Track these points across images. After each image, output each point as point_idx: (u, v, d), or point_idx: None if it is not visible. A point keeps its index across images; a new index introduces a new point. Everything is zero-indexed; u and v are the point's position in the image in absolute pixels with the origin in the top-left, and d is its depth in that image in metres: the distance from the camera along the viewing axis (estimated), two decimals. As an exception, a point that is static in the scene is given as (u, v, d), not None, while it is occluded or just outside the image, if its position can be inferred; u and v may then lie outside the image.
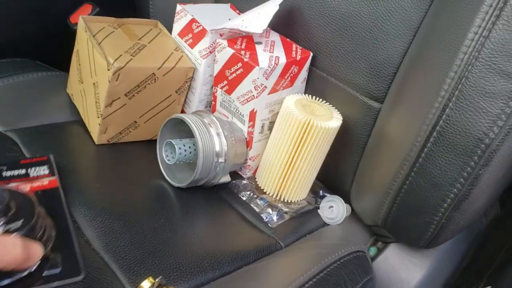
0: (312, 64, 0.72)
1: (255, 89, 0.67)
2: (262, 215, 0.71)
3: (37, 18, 0.91)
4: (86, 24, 0.74)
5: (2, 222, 0.47)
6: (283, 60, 0.68)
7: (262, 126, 0.73)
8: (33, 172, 0.63)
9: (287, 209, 0.72)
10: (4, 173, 0.60)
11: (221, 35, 0.72)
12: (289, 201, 0.73)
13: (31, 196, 0.53)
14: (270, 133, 0.73)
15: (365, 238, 0.70)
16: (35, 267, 0.49)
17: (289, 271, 0.61)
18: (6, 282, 0.47)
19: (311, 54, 0.71)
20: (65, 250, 0.54)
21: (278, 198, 0.73)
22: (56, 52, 0.88)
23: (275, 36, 0.74)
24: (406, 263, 0.66)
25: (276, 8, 0.69)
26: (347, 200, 0.73)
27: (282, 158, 0.69)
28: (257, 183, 0.75)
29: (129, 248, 0.58)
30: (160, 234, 0.61)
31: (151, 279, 0.53)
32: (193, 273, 0.57)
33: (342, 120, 0.68)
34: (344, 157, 0.71)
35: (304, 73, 0.72)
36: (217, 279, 0.59)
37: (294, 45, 0.72)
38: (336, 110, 0.70)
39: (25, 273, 0.49)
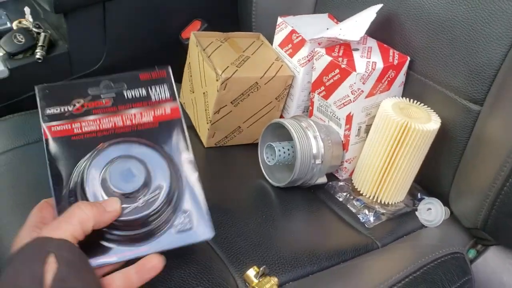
0: (409, 68, 0.73)
1: (352, 94, 0.70)
2: (358, 216, 0.73)
3: (153, 37, 1.01)
4: (197, 39, 0.82)
5: (141, 197, 0.50)
6: (380, 65, 0.70)
7: (358, 129, 0.75)
8: (154, 93, 0.56)
9: (384, 211, 0.74)
10: (126, 93, 0.55)
11: (319, 44, 0.76)
12: (386, 203, 0.75)
13: (165, 162, 0.52)
14: (366, 136, 0.75)
15: (463, 241, 0.70)
16: (168, 225, 0.52)
17: (385, 268, 0.63)
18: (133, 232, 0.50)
19: (408, 58, 0.72)
20: (194, 204, 0.54)
21: (375, 199, 0.75)
22: (169, 64, 0.97)
23: (372, 42, 0.76)
24: (508, 266, 0.65)
25: (374, 15, 0.72)
26: (445, 202, 0.73)
27: (379, 160, 0.71)
28: (354, 184, 0.78)
29: (236, 240, 0.64)
30: (263, 229, 0.66)
31: (256, 268, 0.58)
32: (293, 266, 0.62)
33: (441, 123, 0.69)
34: (443, 160, 0.72)
35: (401, 77, 0.74)
36: (315, 273, 0.62)
37: (391, 50, 0.74)
38: (434, 112, 0.71)
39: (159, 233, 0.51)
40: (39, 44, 0.88)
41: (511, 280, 0.64)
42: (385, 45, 0.76)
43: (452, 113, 0.69)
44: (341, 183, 0.79)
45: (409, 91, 0.75)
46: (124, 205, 0.49)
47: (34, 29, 0.90)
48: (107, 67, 0.96)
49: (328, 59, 0.73)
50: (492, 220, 0.62)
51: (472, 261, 0.68)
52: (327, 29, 0.79)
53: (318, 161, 0.73)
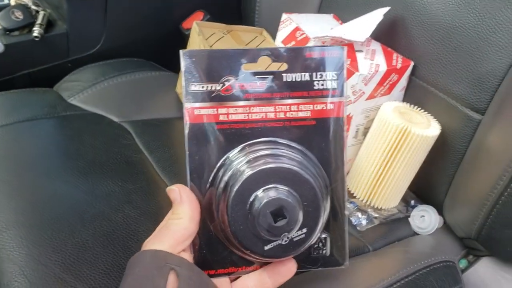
0: (412, 73, 0.73)
1: (353, 94, 0.70)
2: (351, 218, 0.73)
3: (154, 25, 1.00)
4: (199, 29, 0.81)
5: (286, 238, 0.43)
6: (383, 67, 0.70)
7: (356, 131, 0.75)
8: (318, 80, 0.45)
9: (376, 215, 0.73)
10: (285, 76, 0.45)
11: (323, 42, 0.75)
12: (379, 208, 0.74)
13: (317, 192, 0.43)
14: (364, 139, 0.74)
15: (456, 250, 0.69)
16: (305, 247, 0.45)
17: (376, 272, 0.62)
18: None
19: (412, 63, 0.72)
20: (335, 231, 0.48)
21: (368, 203, 0.74)
22: (168, 54, 0.96)
23: (376, 45, 0.76)
24: (499, 278, 0.64)
25: (380, 18, 0.71)
26: (439, 211, 0.73)
27: (375, 164, 0.71)
28: (348, 187, 0.77)
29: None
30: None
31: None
32: (283, 263, 0.60)
33: (440, 130, 0.68)
34: (440, 168, 0.71)
35: (403, 82, 0.73)
36: (304, 272, 0.61)
37: (395, 54, 0.73)
38: (435, 119, 0.70)
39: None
40: (38, 22, 0.86)
41: (501, 292, 0.64)
42: (389, 48, 0.76)
43: (452, 121, 0.68)
44: (335, 185, 0.78)
45: (410, 97, 0.74)
46: (265, 242, 0.43)
47: (33, 7, 0.88)
48: (105, 51, 0.95)
49: (331, 58, 0.72)
50: (487, 230, 0.62)
51: (463, 271, 0.68)
52: (332, 28, 0.79)
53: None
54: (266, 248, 0.43)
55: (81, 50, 0.93)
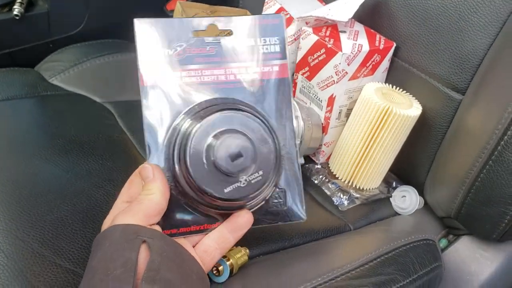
0: (394, 54, 0.73)
1: (336, 74, 0.70)
2: (333, 198, 0.73)
3: (137, 6, 0.99)
4: (182, 9, 0.80)
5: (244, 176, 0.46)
6: (366, 48, 0.70)
7: (339, 112, 0.75)
8: (263, 46, 0.50)
9: (358, 195, 0.73)
10: (232, 41, 0.50)
11: (307, 23, 0.75)
12: (361, 188, 0.74)
13: (272, 134, 0.48)
14: (346, 120, 0.75)
15: (436, 230, 0.70)
16: (262, 202, 0.49)
17: (357, 248, 0.62)
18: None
19: (394, 44, 0.72)
20: (290, 185, 0.51)
21: (350, 184, 0.74)
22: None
23: (360, 27, 0.76)
24: (477, 256, 0.65)
25: (363, -1, 0.72)
26: (420, 192, 0.73)
27: (357, 144, 0.71)
28: (330, 168, 0.77)
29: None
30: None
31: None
32: (264, 240, 0.61)
33: (422, 110, 0.69)
34: (421, 149, 0.72)
35: (386, 63, 0.74)
36: (286, 249, 0.61)
37: (377, 35, 0.74)
38: (416, 100, 0.70)
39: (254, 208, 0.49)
40: (18, 0, 0.85)
41: (480, 270, 0.65)
42: (372, 30, 0.76)
43: (434, 101, 0.69)
44: (317, 166, 0.78)
45: (392, 78, 0.75)
46: (225, 184, 0.46)
47: (13, -15, 0.87)
48: (87, 32, 0.94)
49: (314, 38, 0.72)
50: (466, 208, 0.62)
51: (443, 250, 0.69)
52: (315, 9, 0.78)
53: (297, 141, 0.71)
54: (226, 190, 0.46)
55: (63, 31, 0.92)
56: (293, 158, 0.51)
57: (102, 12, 0.94)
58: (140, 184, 0.48)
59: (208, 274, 0.53)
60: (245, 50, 0.49)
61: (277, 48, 0.50)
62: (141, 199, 0.45)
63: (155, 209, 0.45)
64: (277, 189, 0.50)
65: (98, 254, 0.41)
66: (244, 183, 0.46)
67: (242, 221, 0.49)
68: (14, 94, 0.77)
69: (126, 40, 0.96)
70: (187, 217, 0.49)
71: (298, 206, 0.50)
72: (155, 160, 0.48)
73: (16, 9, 0.83)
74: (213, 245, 0.49)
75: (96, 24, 0.95)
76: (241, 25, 0.49)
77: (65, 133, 0.71)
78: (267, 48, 0.50)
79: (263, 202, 0.49)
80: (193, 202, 0.48)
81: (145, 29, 0.48)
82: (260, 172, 0.47)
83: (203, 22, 0.49)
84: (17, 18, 0.84)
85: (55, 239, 0.55)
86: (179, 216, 0.48)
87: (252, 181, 0.47)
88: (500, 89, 0.59)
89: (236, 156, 0.46)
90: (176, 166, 0.47)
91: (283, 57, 0.50)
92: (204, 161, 0.46)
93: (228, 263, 0.54)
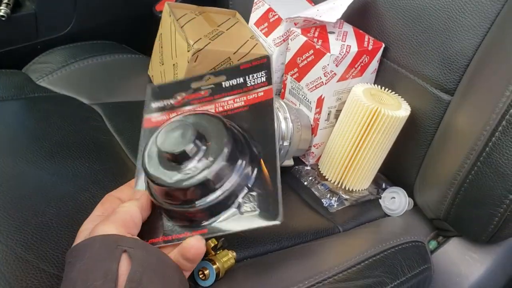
0: (383, 55, 0.73)
1: (325, 76, 0.69)
2: (322, 200, 0.73)
3: (126, 7, 0.99)
4: (170, 9, 0.80)
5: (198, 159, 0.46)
6: (354, 49, 0.69)
7: (328, 114, 0.75)
8: (250, 80, 0.55)
9: (347, 197, 0.73)
10: (224, 83, 0.55)
11: (295, 24, 0.75)
12: (350, 189, 0.74)
13: (223, 126, 0.49)
14: (336, 121, 0.74)
15: (425, 232, 0.70)
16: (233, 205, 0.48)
17: (345, 250, 0.62)
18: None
19: (383, 45, 0.72)
20: (263, 186, 0.49)
21: (339, 185, 0.74)
22: (140, 37, 0.94)
23: (348, 27, 0.76)
24: (467, 258, 0.65)
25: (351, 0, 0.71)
26: (409, 194, 0.73)
27: (346, 145, 0.70)
28: (320, 170, 0.77)
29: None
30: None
31: (214, 240, 0.56)
32: (252, 243, 0.60)
33: (411, 111, 0.68)
34: (410, 150, 0.72)
35: (374, 64, 0.73)
36: (275, 251, 0.61)
37: (366, 36, 0.73)
38: (405, 101, 0.70)
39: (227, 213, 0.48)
40: (4, 1, 0.84)
41: (469, 272, 0.64)
42: (361, 31, 0.75)
43: (422, 102, 0.68)
44: (307, 168, 0.78)
45: (381, 79, 0.74)
46: (173, 172, 0.46)
47: (-2, -15, 0.86)
48: (75, 33, 0.93)
49: (303, 39, 0.71)
50: (455, 210, 0.62)
51: (432, 252, 0.68)
52: (304, 10, 0.78)
53: (286, 143, 0.71)
54: (174, 178, 0.46)
55: (51, 32, 0.91)
56: (272, 161, 0.49)
57: (90, 13, 0.94)
58: (116, 201, 0.49)
59: (194, 278, 0.53)
60: (234, 87, 0.55)
61: (263, 79, 0.54)
62: (118, 211, 0.45)
63: (132, 219, 0.45)
64: (249, 193, 0.48)
65: (77, 265, 0.40)
66: (194, 171, 0.46)
67: (193, 250, 0.44)
68: (0, 96, 0.77)
69: (115, 41, 0.96)
70: (167, 226, 0.49)
71: (272, 209, 0.47)
72: (140, 183, 0.52)
73: (2, 10, 0.82)
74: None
75: (85, 25, 0.94)
76: (231, 71, 0.55)
77: (52, 135, 0.70)
78: (254, 81, 0.54)
79: (233, 206, 0.48)
80: (167, 211, 0.49)
81: (155, 91, 0.57)
82: (210, 158, 0.46)
83: (200, 77, 0.56)
84: (3, 19, 0.83)
85: (40, 243, 0.54)
86: (159, 225, 0.48)
87: (202, 170, 0.46)
88: (488, 90, 0.58)
89: (177, 138, 0.46)
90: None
91: (269, 83, 0.53)
92: (154, 150, 0.48)
93: (214, 267, 0.53)
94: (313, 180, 0.76)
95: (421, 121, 0.69)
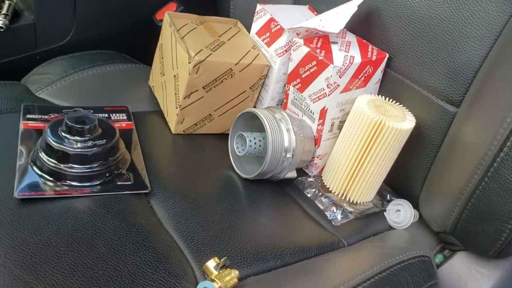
0: (387, 65, 0.72)
1: (328, 87, 0.68)
2: (326, 213, 0.71)
3: (125, 15, 0.97)
4: (171, 20, 0.79)
5: (88, 138, 0.63)
6: (358, 59, 0.68)
7: (331, 125, 0.73)
8: (114, 116, 0.76)
9: (352, 209, 0.72)
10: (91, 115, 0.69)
11: (297, 34, 0.74)
12: (354, 202, 0.73)
13: (114, 126, 0.67)
14: (339, 132, 0.73)
15: (431, 245, 0.69)
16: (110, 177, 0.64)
17: (350, 267, 0.60)
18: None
19: (387, 55, 0.71)
20: (136, 171, 0.68)
21: (343, 197, 0.73)
22: (141, 46, 0.93)
23: (351, 37, 0.75)
24: (474, 273, 0.63)
25: (355, 9, 0.70)
26: (415, 205, 0.72)
27: (350, 157, 0.69)
28: (323, 181, 0.76)
29: (197, 229, 0.61)
30: (227, 220, 0.63)
31: (216, 259, 0.55)
32: (255, 260, 0.59)
33: (416, 123, 0.67)
34: (415, 161, 0.70)
35: (378, 74, 0.72)
36: (278, 268, 0.60)
37: (370, 46, 0.72)
38: (410, 112, 0.69)
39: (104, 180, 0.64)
40: (2, 12, 0.83)
41: (476, 287, 0.63)
42: (364, 40, 0.74)
43: (428, 114, 0.67)
44: (310, 179, 0.77)
45: (385, 89, 0.73)
46: (77, 140, 0.62)
47: (-3, -4, 0.85)
48: (75, 43, 0.91)
49: (305, 50, 0.70)
50: (462, 224, 0.61)
51: (438, 266, 0.67)
52: (307, 20, 0.77)
53: (289, 155, 0.70)
54: (75, 146, 0.62)
55: (50, 42, 0.90)
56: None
57: (89, 22, 0.92)
58: None
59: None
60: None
61: (125, 117, 0.77)
62: None
63: None
64: (125, 171, 0.67)
65: None
66: (89, 144, 0.62)
67: None
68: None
69: (115, 50, 0.94)
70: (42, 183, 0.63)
71: (142, 182, 0.66)
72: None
73: (1, 21, 0.81)
74: None
75: (84, 35, 0.93)
76: (97, 109, 0.77)
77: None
78: (117, 117, 0.77)
79: (112, 175, 0.65)
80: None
81: (29, 108, 0.75)
82: (104, 141, 0.64)
83: (71, 108, 0.77)
84: (2, 30, 0.82)
85: (38, 263, 0.53)
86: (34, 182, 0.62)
87: (97, 143, 0.63)
88: (496, 103, 0.57)
89: (83, 119, 0.63)
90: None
91: (129, 120, 0.77)
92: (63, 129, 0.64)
93: (216, 286, 0.52)
94: (317, 192, 0.75)
95: (426, 132, 0.68)
